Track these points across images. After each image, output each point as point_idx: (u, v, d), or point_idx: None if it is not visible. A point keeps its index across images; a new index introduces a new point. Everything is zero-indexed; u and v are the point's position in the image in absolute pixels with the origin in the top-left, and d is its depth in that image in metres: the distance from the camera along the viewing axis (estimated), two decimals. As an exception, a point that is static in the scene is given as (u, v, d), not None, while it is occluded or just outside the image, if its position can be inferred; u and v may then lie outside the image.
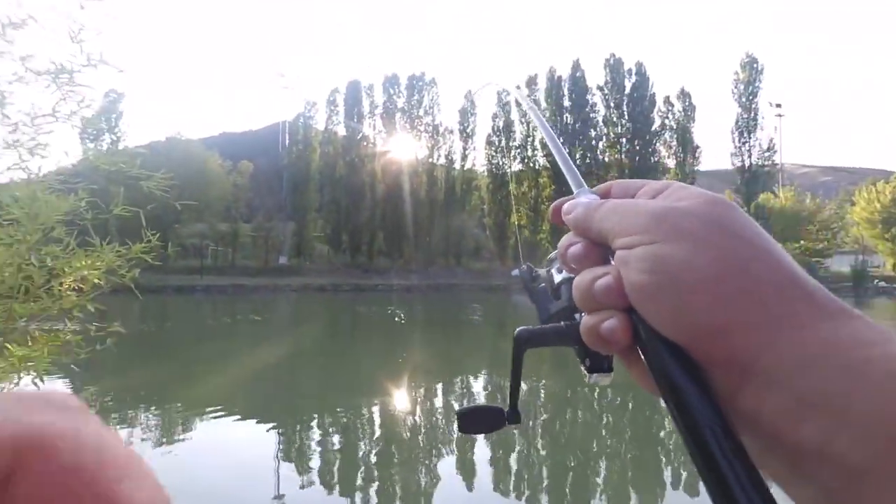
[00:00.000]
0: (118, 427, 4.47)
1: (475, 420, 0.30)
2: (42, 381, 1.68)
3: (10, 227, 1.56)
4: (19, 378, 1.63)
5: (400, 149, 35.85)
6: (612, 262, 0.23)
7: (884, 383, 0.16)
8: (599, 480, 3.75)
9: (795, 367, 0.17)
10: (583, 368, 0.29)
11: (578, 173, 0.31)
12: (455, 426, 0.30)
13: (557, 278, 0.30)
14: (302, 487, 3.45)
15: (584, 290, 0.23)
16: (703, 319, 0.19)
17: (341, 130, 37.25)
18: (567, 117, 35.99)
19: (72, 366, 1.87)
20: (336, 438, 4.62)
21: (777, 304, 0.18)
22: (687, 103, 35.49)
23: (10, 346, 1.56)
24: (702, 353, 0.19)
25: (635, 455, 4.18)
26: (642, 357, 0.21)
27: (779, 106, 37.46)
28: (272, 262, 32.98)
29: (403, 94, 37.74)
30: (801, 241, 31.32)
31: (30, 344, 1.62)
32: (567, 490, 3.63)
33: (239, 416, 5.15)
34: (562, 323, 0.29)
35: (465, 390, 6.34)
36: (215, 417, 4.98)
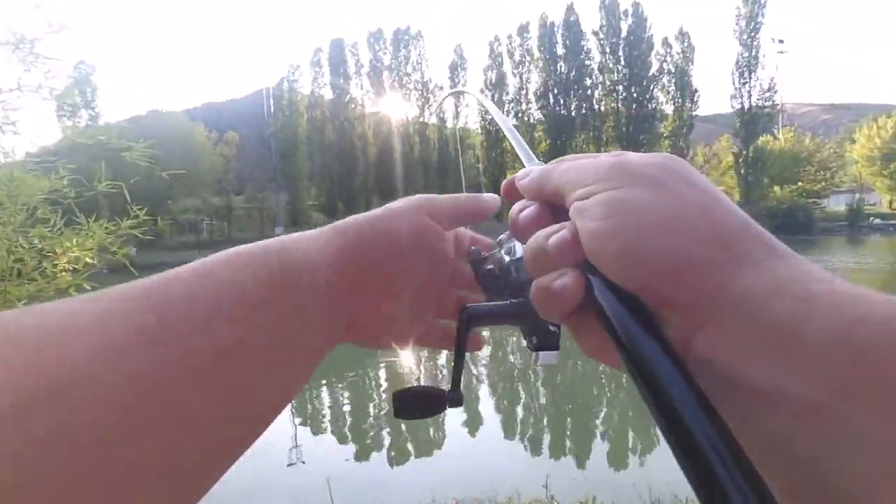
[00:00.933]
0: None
1: (414, 403, 0.28)
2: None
3: (-8, 209, 1.51)
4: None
5: (390, 109, 34.77)
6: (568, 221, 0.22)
7: (832, 316, 0.16)
8: (599, 423, 3.94)
9: (755, 301, 0.17)
10: (528, 348, 0.28)
11: (529, 149, 0.31)
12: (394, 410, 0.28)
13: (507, 259, 0.29)
14: (315, 434, 3.61)
15: (537, 249, 0.22)
16: (663, 260, 0.19)
17: (328, 93, 35.92)
18: (561, 66, 34.58)
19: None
20: (346, 395, 4.80)
21: (736, 243, 0.19)
22: (686, 44, 33.93)
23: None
24: (659, 298, 0.19)
25: (631, 397, 4.37)
26: (597, 316, 0.20)
27: (781, 42, 35.98)
28: (268, 233, 32.77)
29: (389, 50, 36.05)
30: (799, 183, 31.16)
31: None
32: (567, 434, 3.81)
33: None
34: (509, 301, 0.28)
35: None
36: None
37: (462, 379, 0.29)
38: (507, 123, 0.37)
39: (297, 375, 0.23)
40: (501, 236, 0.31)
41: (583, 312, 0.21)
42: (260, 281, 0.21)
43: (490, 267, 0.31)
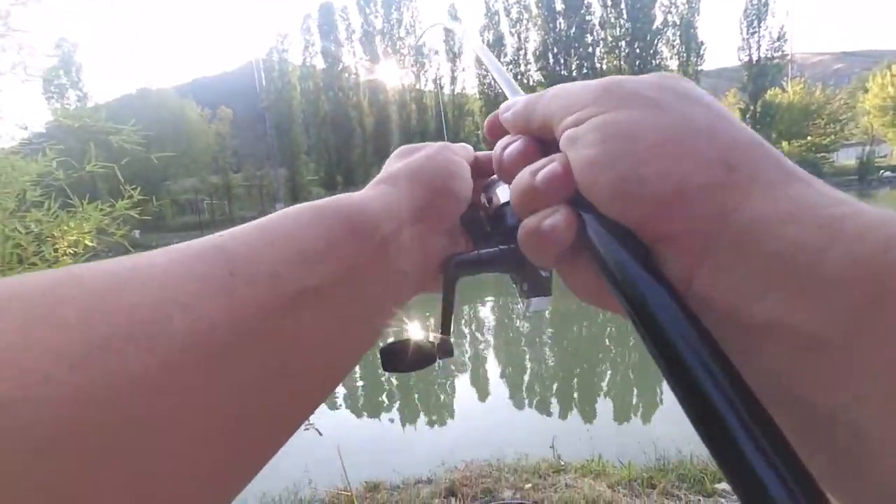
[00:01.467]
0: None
1: (401, 356, 0.27)
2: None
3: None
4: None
5: (384, 77, 33.68)
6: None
7: (856, 242, 0.14)
8: (604, 385, 4.03)
9: (767, 227, 0.15)
10: (519, 295, 0.28)
11: (514, 83, 0.29)
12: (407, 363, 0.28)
13: (493, 205, 0.28)
14: (336, 409, 3.72)
15: (524, 186, 0.20)
16: (662, 187, 0.17)
17: (319, 63, 34.76)
18: (560, 23, 33.10)
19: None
20: (357, 368, 4.91)
21: (745, 164, 0.17)
22: (692, -7, 32.32)
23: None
24: (657, 231, 0.17)
25: (635, 357, 4.44)
26: (590, 257, 0.19)
27: (792, -14, 33.94)
28: (269, 210, 32.26)
29: (380, 13, 34.54)
30: (808, 138, 30.35)
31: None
32: (573, 396, 3.90)
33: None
34: (497, 248, 0.27)
35: (474, 318, 6.60)
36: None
37: (451, 327, 0.28)
38: (489, 56, 0.35)
39: (369, 330, 0.22)
40: (488, 180, 0.30)
41: (575, 254, 0.20)
42: (331, 230, 0.20)
43: (476, 214, 0.29)
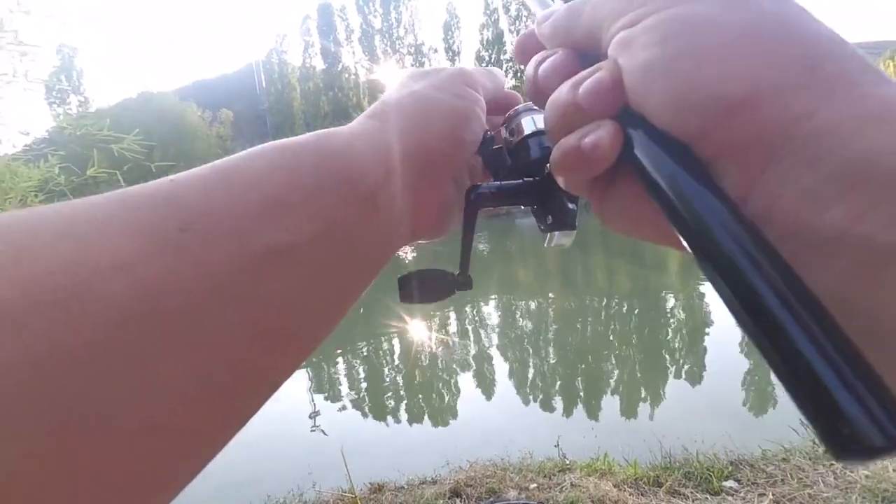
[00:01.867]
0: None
1: (420, 286, 0.26)
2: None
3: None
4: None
5: (384, 76, 33.69)
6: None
7: None
8: (610, 382, 4.02)
9: (849, 129, 0.13)
10: (542, 229, 0.26)
11: None
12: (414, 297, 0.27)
13: (517, 136, 0.26)
14: (339, 411, 3.73)
15: (564, 101, 0.18)
16: (731, 91, 0.15)
17: (319, 63, 34.81)
18: None
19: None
20: (361, 367, 4.91)
21: (828, 61, 0.14)
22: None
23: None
24: (720, 142, 0.15)
25: (640, 355, 4.43)
26: (633, 177, 0.17)
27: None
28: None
29: (379, 12, 34.54)
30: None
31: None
32: (579, 395, 3.90)
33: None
34: (521, 179, 0.26)
35: (477, 317, 6.60)
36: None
37: (470, 261, 0.27)
38: None
39: (353, 287, 0.19)
40: (510, 112, 0.27)
41: (613, 177, 0.18)
42: (309, 177, 0.17)
43: (498, 146, 0.27)
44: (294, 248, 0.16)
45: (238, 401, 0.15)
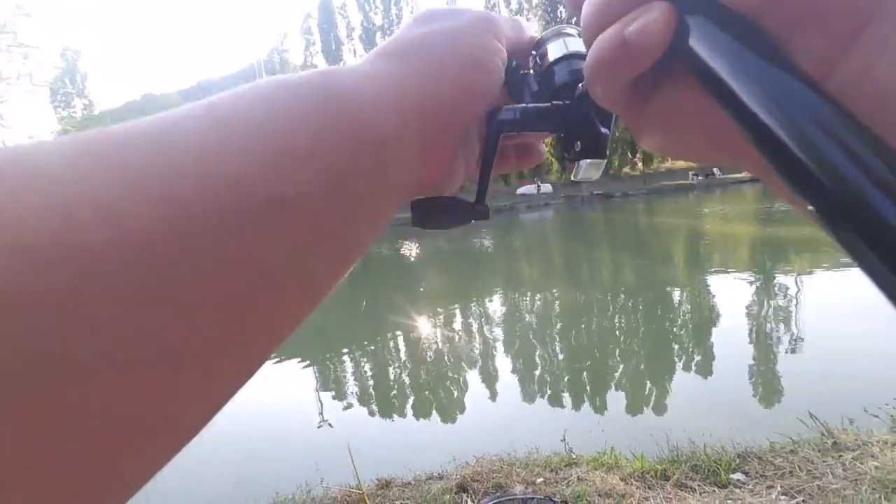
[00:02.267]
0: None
1: (435, 211, 0.24)
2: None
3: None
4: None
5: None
6: None
7: None
8: (616, 376, 4.01)
9: None
10: (570, 158, 0.25)
11: None
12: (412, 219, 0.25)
13: (546, 59, 0.24)
14: (345, 409, 3.75)
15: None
16: None
17: (320, 62, 34.80)
18: (562, 11, 32.71)
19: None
20: (367, 366, 4.94)
21: None
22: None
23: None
24: (793, 19, 0.13)
25: (646, 349, 4.41)
26: (688, 76, 0.14)
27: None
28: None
29: (380, 9, 34.46)
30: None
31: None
32: (586, 388, 3.89)
33: (275, 358, 5.50)
34: (550, 103, 0.24)
35: (482, 314, 6.60)
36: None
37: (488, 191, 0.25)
38: None
39: (356, 242, 0.18)
40: (539, 37, 0.26)
41: (657, 78, 0.16)
42: (316, 123, 0.16)
43: (524, 72, 0.25)
44: (295, 199, 0.14)
45: (232, 360, 0.14)
